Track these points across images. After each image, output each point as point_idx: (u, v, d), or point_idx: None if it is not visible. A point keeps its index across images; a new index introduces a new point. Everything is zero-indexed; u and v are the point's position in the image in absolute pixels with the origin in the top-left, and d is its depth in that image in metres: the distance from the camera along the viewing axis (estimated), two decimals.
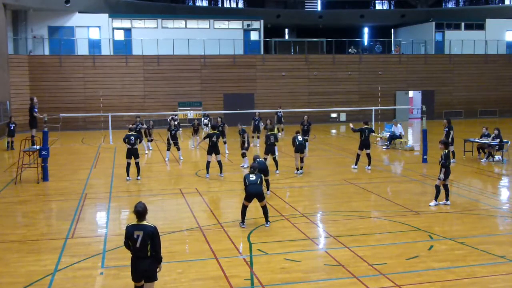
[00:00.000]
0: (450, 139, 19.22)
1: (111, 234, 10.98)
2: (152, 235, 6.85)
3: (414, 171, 17.77)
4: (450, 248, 9.78)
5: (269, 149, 16.97)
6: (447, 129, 19.30)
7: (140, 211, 6.92)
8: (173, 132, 20.34)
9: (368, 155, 18.19)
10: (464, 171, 18.01)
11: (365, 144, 18.01)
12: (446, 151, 12.94)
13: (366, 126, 18.16)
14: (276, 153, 17.48)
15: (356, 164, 18.27)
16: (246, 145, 18.40)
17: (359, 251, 9.59)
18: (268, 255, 9.55)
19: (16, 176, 16.63)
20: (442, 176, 12.79)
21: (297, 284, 8.24)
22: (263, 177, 11.89)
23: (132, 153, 16.46)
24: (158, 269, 7.03)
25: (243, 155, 18.52)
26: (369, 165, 18.25)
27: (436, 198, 12.99)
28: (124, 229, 7.03)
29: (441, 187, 12.90)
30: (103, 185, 16.29)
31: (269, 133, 17.19)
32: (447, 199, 13.03)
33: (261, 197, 11.16)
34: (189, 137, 25.97)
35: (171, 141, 20.39)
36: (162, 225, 11.54)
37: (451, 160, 19.26)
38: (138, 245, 6.81)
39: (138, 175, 16.78)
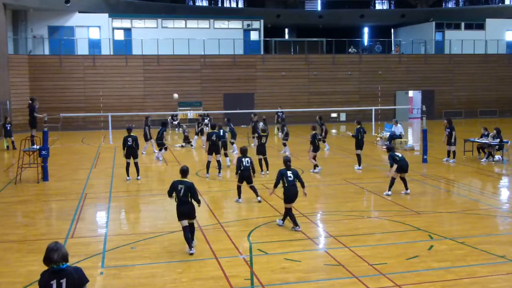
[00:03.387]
0: (453, 140, 19.27)
1: (111, 234, 10.96)
2: (190, 188, 9.46)
3: (414, 171, 17.73)
4: (450, 248, 9.78)
5: (261, 149, 17.28)
6: (448, 129, 19.32)
7: (185, 170, 9.65)
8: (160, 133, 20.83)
9: (359, 155, 18.30)
10: (464, 171, 18.02)
11: (361, 144, 18.16)
12: (390, 153, 14.39)
13: (359, 126, 18.30)
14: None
15: (359, 165, 18.25)
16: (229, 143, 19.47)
17: (359, 251, 9.58)
18: (268, 255, 9.55)
19: (16, 176, 16.65)
20: (389, 172, 14.69)
21: (297, 284, 8.24)
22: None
23: (131, 153, 16.53)
24: (198, 205, 9.70)
25: (225, 155, 18.88)
26: (359, 165, 18.26)
27: (388, 189, 14.18)
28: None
29: (397, 179, 14.15)
30: (103, 185, 16.28)
31: (262, 134, 17.63)
32: (406, 189, 14.21)
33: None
34: (191, 137, 25.92)
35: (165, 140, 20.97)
36: (162, 224, 11.57)
37: (451, 160, 19.50)
38: (181, 194, 9.42)
39: (138, 175, 16.79)
